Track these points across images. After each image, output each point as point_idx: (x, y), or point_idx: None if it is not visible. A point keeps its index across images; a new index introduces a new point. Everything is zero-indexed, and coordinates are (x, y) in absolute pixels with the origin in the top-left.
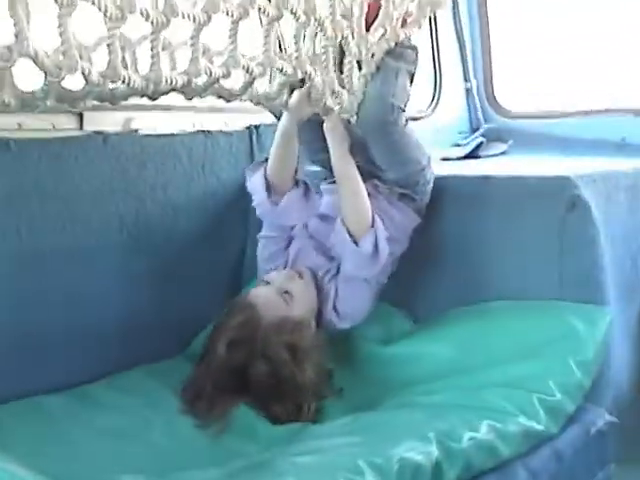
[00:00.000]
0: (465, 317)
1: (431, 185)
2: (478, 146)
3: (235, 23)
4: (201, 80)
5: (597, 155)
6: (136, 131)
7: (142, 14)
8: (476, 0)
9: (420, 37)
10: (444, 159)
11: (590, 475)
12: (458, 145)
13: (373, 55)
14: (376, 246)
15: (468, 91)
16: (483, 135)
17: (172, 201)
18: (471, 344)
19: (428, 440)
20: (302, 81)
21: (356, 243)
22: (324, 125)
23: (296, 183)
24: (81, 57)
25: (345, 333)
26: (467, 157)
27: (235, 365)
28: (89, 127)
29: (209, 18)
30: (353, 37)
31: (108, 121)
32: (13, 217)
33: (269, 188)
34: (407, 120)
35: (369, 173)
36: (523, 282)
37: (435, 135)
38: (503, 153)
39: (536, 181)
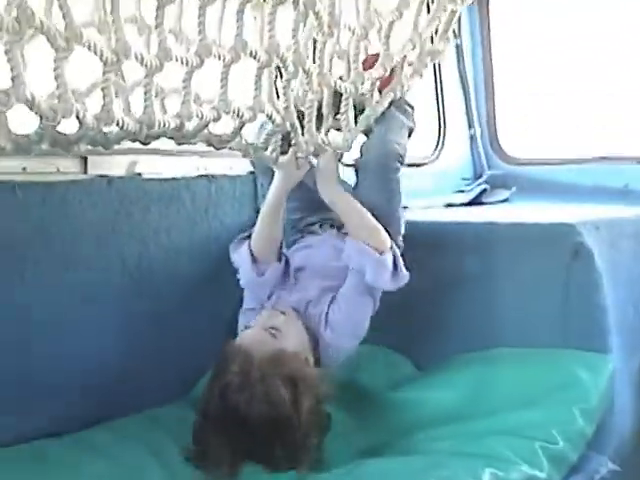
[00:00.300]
0: (468, 364)
1: (401, 234)
2: (481, 193)
3: (227, 67)
4: (192, 124)
5: (600, 202)
6: (140, 175)
7: (137, 58)
8: (480, 47)
9: (424, 83)
10: (448, 205)
11: None
12: (462, 191)
13: (378, 102)
14: (396, 265)
15: (472, 137)
16: (486, 182)
17: (175, 245)
18: (474, 391)
19: None
20: (289, 134)
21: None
22: (317, 163)
23: (279, 258)
24: (76, 100)
25: (348, 378)
26: (470, 204)
27: (234, 413)
28: (93, 171)
29: (202, 62)
30: (349, 76)
31: (112, 165)
32: (17, 260)
33: (254, 260)
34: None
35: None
36: (526, 329)
37: (439, 181)
38: (506, 200)
39: (540, 228)
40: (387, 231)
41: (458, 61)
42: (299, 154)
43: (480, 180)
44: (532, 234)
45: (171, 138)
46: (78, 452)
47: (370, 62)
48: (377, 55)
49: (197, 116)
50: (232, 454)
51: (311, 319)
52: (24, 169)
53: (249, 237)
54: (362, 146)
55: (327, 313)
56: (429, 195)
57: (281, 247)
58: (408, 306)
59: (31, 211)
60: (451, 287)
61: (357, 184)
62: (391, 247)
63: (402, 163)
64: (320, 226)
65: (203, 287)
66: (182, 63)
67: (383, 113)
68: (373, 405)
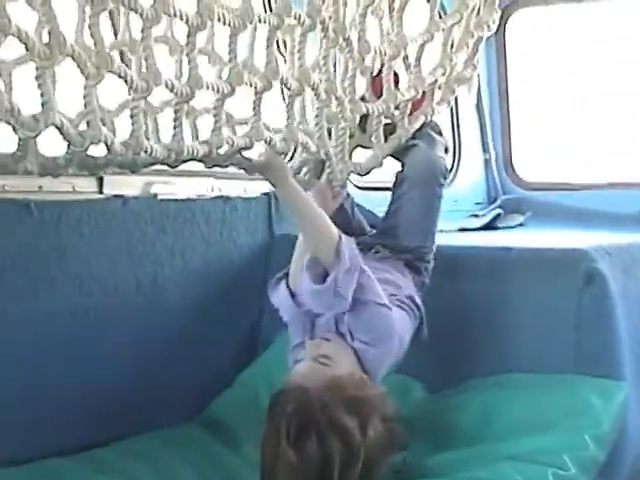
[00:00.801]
0: (481, 389)
1: (431, 266)
2: (496, 217)
3: (259, 94)
4: (223, 150)
5: (615, 228)
6: (155, 196)
7: (167, 86)
8: (496, 73)
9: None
10: (461, 229)
11: None
12: (475, 216)
13: (410, 123)
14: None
15: (486, 162)
16: (501, 206)
17: (189, 266)
18: (486, 417)
19: None
20: (322, 162)
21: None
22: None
23: None
24: (104, 124)
25: None
26: (484, 228)
27: (312, 459)
28: (109, 190)
29: (233, 90)
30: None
31: (128, 185)
32: (31, 278)
33: (293, 295)
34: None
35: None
36: (539, 354)
37: (453, 205)
38: (520, 225)
39: (553, 253)
40: (419, 247)
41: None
42: (334, 182)
43: (494, 205)
44: (546, 259)
45: (202, 161)
46: (91, 471)
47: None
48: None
49: (228, 143)
50: None
51: (344, 336)
52: (40, 187)
53: (286, 276)
54: (405, 162)
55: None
56: (443, 219)
57: None
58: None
59: (46, 230)
60: (464, 311)
61: (394, 199)
62: (340, 238)
63: (446, 179)
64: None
65: (217, 307)
66: (213, 90)
67: (420, 132)
68: None
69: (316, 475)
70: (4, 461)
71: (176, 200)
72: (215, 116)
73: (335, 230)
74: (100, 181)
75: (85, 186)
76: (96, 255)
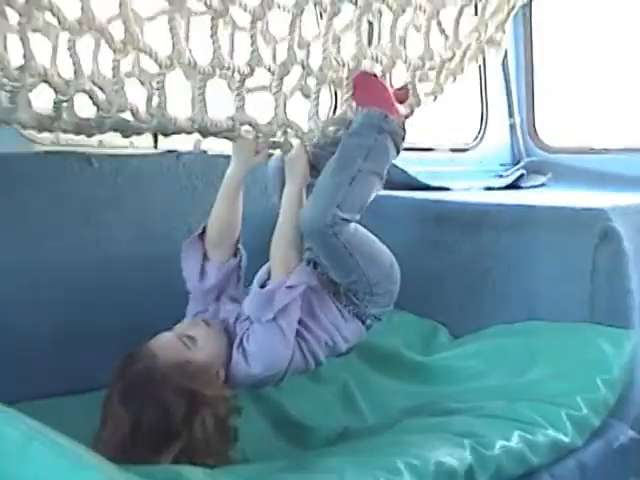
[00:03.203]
0: (501, 335)
1: (383, 297)
2: (519, 178)
3: (279, 80)
4: (244, 128)
5: (630, 190)
6: (205, 152)
7: (190, 63)
8: (522, 42)
9: (469, 75)
10: (487, 188)
11: None
12: (501, 176)
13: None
14: (273, 293)
15: (512, 126)
16: (524, 167)
17: None
18: (505, 360)
19: (463, 446)
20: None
21: (263, 286)
22: (286, 157)
23: (235, 253)
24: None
25: (386, 344)
26: (508, 187)
27: (127, 412)
28: (163, 146)
29: (252, 71)
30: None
31: (180, 141)
32: (93, 227)
33: (203, 271)
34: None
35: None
36: (557, 304)
37: (479, 166)
38: (542, 185)
39: (572, 212)
40: (354, 291)
41: (502, 55)
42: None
43: (518, 166)
44: (565, 217)
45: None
46: None
47: (398, 96)
48: (405, 90)
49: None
50: (132, 455)
51: (234, 334)
52: (100, 142)
53: (200, 237)
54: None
55: (242, 338)
56: (470, 178)
57: (237, 242)
58: (447, 279)
59: (106, 181)
60: (489, 263)
61: None
62: (290, 272)
63: (348, 222)
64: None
65: (259, 258)
66: (234, 72)
67: (339, 152)
68: (411, 370)
69: (127, 436)
70: (68, 391)
71: (225, 156)
72: (237, 95)
73: (300, 250)
74: (155, 137)
75: (142, 141)
76: (150, 205)
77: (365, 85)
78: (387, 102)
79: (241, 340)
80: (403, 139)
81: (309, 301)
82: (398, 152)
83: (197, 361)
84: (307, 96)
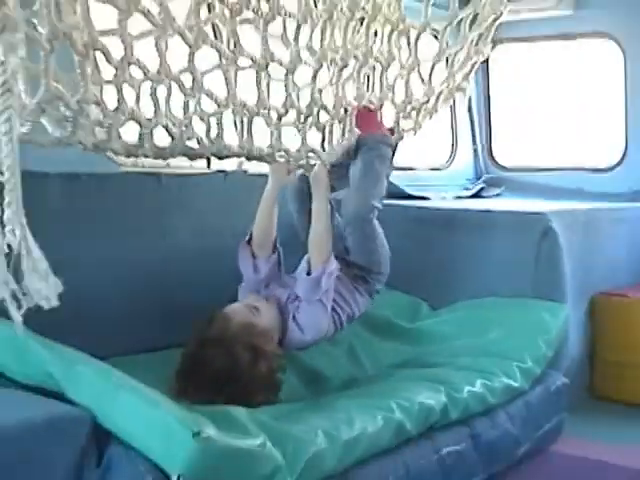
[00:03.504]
0: (468, 307)
1: (384, 277)
2: (480, 189)
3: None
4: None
5: (565, 199)
6: (245, 171)
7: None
8: (482, 88)
9: (443, 113)
10: (457, 197)
11: (548, 420)
12: (467, 188)
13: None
14: (319, 279)
15: (475, 151)
16: (484, 182)
17: None
18: (473, 326)
19: (439, 391)
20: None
21: (309, 274)
22: (310, 175)
23: (274, 250)
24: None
25: (380, 314)
26: (473, 197)
27: (199, 361)
28: (214, 166)
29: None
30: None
31: (227, 163)
32: (161, 227)
33: (255, 266)
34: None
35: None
36: (510, 284)
37: (451, 180)
38: (498, 195)
39: (521, 215)
40: (369, 270)
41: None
42: (292, 163)
43: (479, 181)
44: (515, 219)
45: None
46: None
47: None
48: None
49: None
50: (200, 391)
51: (285, 313)
52: (168, 164)
53: (249, 242)
54: (343, 199)
55: (295, 316)
56: (444, 190)
57: (275, 241)
58: (427, 266)
59: (171, 194)
60: (458, 253)
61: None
62: (326, 261)
63: (380, 210)
64: None
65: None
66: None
67: (367, 155)
68: (399, 333)
69: (205, 376)
70: (143, 349)
71: (261, 175)
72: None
73: (331, 246)
74: (208, 160)
75: (198, 163)
76: (205, 211)
77: (365, 117)
78: (382, 127)
79: (294, 315)
80: (394, 153)
81: (336, 283)
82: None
83: (259, 325)
84: (322, 129)
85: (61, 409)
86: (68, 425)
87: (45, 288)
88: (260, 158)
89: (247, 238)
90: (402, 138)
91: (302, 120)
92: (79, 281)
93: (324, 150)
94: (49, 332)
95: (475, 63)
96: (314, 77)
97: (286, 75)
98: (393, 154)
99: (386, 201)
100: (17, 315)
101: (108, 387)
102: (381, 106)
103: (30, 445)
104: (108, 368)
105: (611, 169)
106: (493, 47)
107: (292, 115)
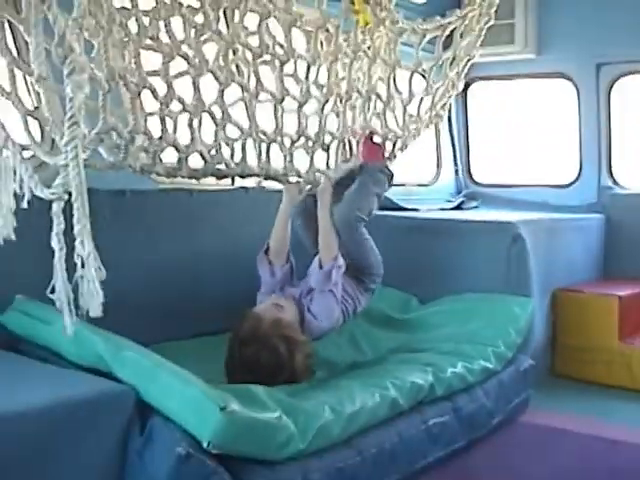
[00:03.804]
0: (451, 301)
1: (379, 278)
2: (461, 202)
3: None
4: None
5: (532, 210)
6: (263, 187)
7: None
8: (461, 116)
9: (429, 138)
10: (441, 209)
11: (517, 395)
12: (449, 201)
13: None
14: (330, 272)
15: (456, 170)
16: (464, 196)
17: None
18: (455, 317)
19: (427, 372)
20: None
21: (321, 267)
22: (318, 188)
23: (287, 260)
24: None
25: (376, 307)
26: (455, 208)
27: (245, 358)
28: (237, 183)
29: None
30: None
31: (248, 180)
32: (192, 236)
33: (270, 263)
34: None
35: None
36: (485, 282)
37: (436, 195)
38: (476, 207)
39: (495, 224)
40: (363, 272)
41: (449, 124)
42: (303, 182)
43: (460, 195)
44: (490, 226)
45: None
46: None
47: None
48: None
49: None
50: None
51: (300, 306)
52: (198, 182)
53: (266, 252)
54: (336, 209)
55: (309, 307)
56: (431, 203)
57: (289, 253)
58: (417, 266)
59: (201, 206)
60: (443, 256)
61: None
62: (335, 257)
63: (366, 221)
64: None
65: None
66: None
67: (359, 183)
68: (392, 324)
69: (249, 371)
70: (177, 337)
71: (276, 191)
72: (289, 153)
73: (337, 245)
74: (232, 178)
75: (223, 181)
76: (229, 221)
77: (371, 148)
78: (383, 158)
79: (309, 307)
80: (392, 179)
81: (342, 281)
82: (390, 186)
83: (286, 319)
84: (327, 150)
85: (110, 386)
86: (116, 400)
87: (96, 298)
88: (275, 178)
89: (265, 248)
90: (395, 158)
91: (311, 145)
92: (122, 281)
93: (329, 169)
94: (99, 321)
95: (451, 96)
96: (322, 109)
97: (299, 107)
98: (390, 181)
99: (382, 212)
100: (68, 317)
101: (149, 368)
102: (384, 140)
103: (85, 415)
104: (149, 352)
105: (569, 185)
106: (470, 84)
107: (302, 141)
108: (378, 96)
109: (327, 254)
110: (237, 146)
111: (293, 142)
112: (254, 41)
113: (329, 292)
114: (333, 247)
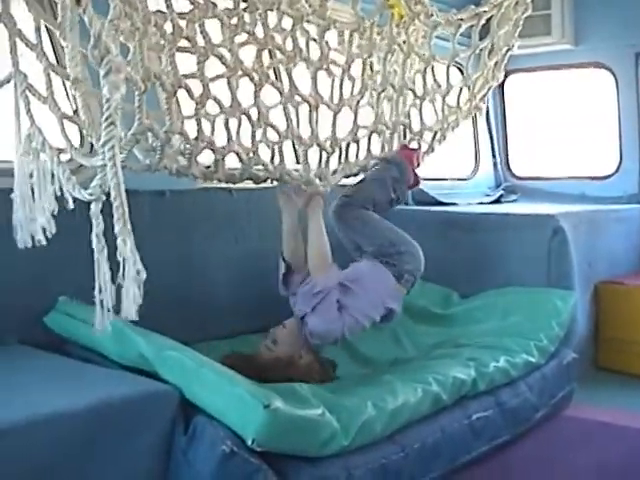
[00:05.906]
0: (492, 295)
1: (413, 257)
2: (500, 196)
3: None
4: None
5: (571, 203)
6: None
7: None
8: (499, 109)
9: (467, 132)
10: (480, 203)
11: (561, 389)
12: (488, 195)
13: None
14: (311, 289)
15: (495, 164)
16: (503, 189)
17: None
18: (496, 311)
19: (469, 367)
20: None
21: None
22: (309, 203)
23: (307, 267)
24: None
25: (417, 303)
26: (493, 202)
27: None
28: (263, 184)
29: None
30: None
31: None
32: (233, 230)
33: (286, 283)
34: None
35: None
36: (527, 276)
37: (475, 189)
38: (515, 200)
39: (534, 217)
40: (386, 253)
41: (487, 117)
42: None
43: (499, 189)
44: (530, 220)
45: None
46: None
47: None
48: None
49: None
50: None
51: (303, 324)
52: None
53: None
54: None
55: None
56: (470, 197)
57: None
58: (458, 262)
59: (240, 204)
60: (483, 250)
61: None
62: (325, 272)
63: (367, 208)
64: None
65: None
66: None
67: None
68: (435, 318)
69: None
70: (216, 336)
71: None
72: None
73: (329, 259)
74: (264, 180)
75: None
76: (268, 220)
77: (407, 152)
78: (415, 164)
79: (307, 325)
80: (418, 184)
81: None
82: (401, 189)
83: (281, 356)
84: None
85: (154, 386)
86: (160, 399)
87: (134, 301)
88: (310, 183)
89: (283, 272)
90: (433, 150)
91: (325, 155)
92: (164, 279)
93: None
94: (139, 320)
95: (491, 87)
96: (334, 122)
97: (334, 115)
98: (412, 186)
99: (421, 207)
100: (100, 316)
101: (192, 367)
102: (419, 147)
103: (129, 415)
104: (191, 351)
105: (609, 177)
106: (507, 76)
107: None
108: (412, 91)
109: (316, 269)
110: (275, 148)
111: (323, 149)
112: (288, 44)
113: (319, 310)
114: (322, 260)
